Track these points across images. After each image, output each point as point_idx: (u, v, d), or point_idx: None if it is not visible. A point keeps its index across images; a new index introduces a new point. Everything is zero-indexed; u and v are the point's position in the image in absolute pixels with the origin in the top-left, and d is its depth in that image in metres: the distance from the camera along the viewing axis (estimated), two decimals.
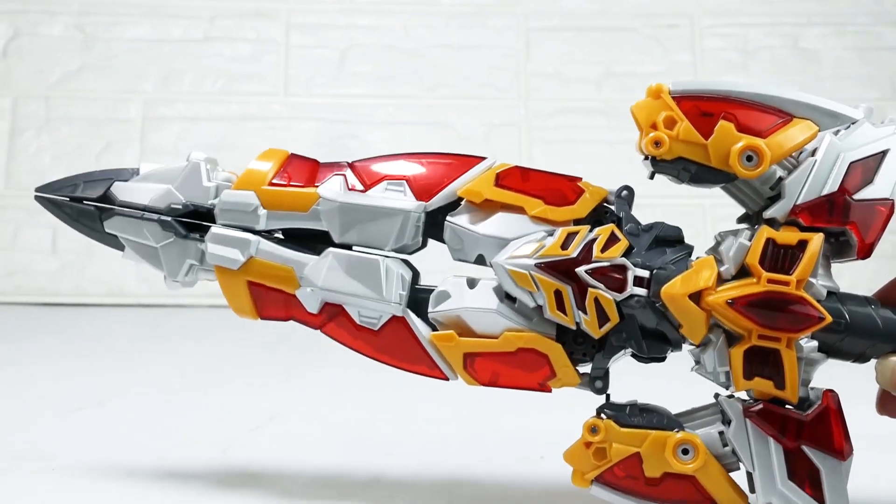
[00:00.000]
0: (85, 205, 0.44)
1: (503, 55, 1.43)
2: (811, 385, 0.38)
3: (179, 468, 0.50)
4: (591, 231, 0.39)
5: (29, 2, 1.42)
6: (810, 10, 1.44)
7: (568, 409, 0.45)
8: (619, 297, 0.38)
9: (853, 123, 0.38)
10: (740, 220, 0.42)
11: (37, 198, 0.46)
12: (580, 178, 0.41)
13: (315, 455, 0.54)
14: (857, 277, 0.40)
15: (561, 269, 0.39)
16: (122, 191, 0.44)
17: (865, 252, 0.37)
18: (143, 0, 1.42)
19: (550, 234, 0.40)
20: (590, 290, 0.38)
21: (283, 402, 0.69)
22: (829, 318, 0.36)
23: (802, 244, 0.36)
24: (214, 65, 1.41)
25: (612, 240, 0.39)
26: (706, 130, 0.38)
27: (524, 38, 1.44)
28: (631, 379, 0.44)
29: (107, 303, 1.31)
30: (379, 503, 0.46)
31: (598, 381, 0.40)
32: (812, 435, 0.37)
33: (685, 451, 0.38)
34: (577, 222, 0.40)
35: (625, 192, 0.41)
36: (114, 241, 0.45)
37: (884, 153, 0.37)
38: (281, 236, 0.44)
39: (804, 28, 1.44)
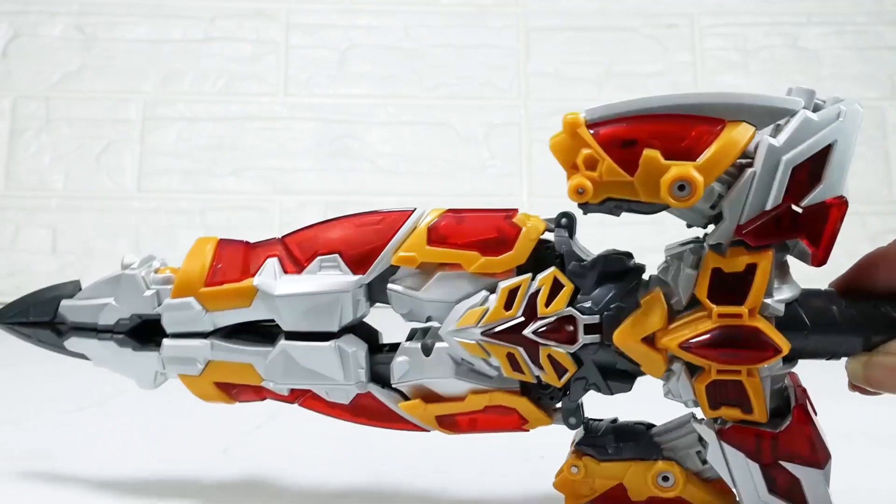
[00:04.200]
0: (42, 329, 0.45)
1: (503, 55, 1.43)
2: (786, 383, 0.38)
3: (180, 468, 0.50)
4: (533, 280, 0.38)
5: (29, 2, 1.42)
6: (810, 9, 1.44)
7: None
8: (573, 349, 0.38)
9: (792, 116, 0.34)
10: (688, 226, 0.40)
11: None
12: (516, 211, 0.39)
13: (315, 455, 0.54)
14: None
15: (508, 333, 0.38)
16: (70, 311, 0.45)
17: (820, 261, 0.35)
18: (143, 0, 1.42)
19: (492, 290, 0.39)
20: (541, 348, 0.38)
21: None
22: (786, 349, 0.35)
23: (752, 268, 0.34)
24: (214, 65, 1.41)
25: (556, 288, 0.38)
26: (631, 164, 0.34)
27: (524, 38, 1.44)
28: None
29: None
30: (379, 503, 0.46)
31: (571, 418, 0.40)
32: (787, 448, 0.36)
33: (665, 479, 0.39)
34: (520, 268, 0.39)
35: (564, 220, 0.39)
36: (80, 355, 0.46)
37: (829, 147, 0.34)
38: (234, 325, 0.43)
39: (804, 28, 1.44)
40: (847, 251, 0.40)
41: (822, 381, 0.41)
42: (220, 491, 0.46)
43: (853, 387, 0.39)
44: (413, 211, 0.40)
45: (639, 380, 0.40)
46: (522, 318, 0.38)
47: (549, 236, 0.39)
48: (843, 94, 0.36)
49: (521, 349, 0.38)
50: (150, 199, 1.37)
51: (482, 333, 0.38)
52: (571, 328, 0.38)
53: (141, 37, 1.42)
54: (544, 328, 0.38)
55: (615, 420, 0.41)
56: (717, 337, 0.35)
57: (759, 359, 0.35)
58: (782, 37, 1.43)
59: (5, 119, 1.38)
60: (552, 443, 0.43)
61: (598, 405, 0.43)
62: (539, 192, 1.37)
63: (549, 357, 0.38)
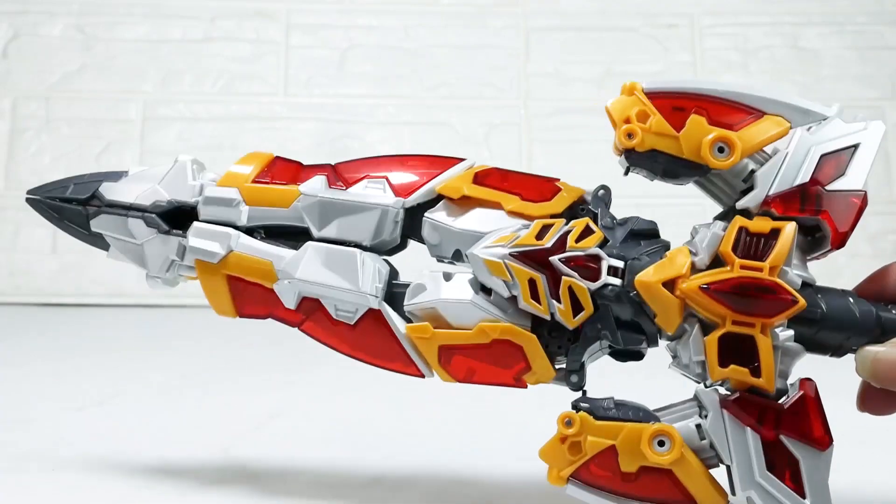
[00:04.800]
0: (72, 206, 0.46)
1: (503, 55, 1.43)
2: (790, 382, 0.38)
3: (180, 468, 0.50)
4: (566, 224, 0.40)
5: (29, 2, 1.42)
6: (810, 9, 1.44)
7: (567, 408, 0.45)
8: (594, 286, 0.38)
9: (824, 119, 0.38)
10: (717, 218, 0.41)
11: (28, 200, 0.48)
12: (558, 179, 0.42)
13: (316, 454, 0.54)
14: (858, 277, 0.40)
15: (535, 258, 0.39)
16: (109, 191, 0.45)
17: (839, 242, 0.37)
18: (143, 0, 1.42)
19: (526, 227, 0.40)
20: (563, 278, 0.39)
21: (283, 401, 0.69)
22: (802, 302, 0.36)
23: (775, 232, 0.37)
24: (214, 65, 1.41)
25: (587, 232, 0.39)
26: (678, 123, 0.38)
27: (524, 38, 1.44)
28: (615, 377, 0.44)
29: (107, 303, 1.31)
30: (379, 503, 0.46)
31: (573, 375, 0.40)
32: (790, 424, 0.36)
33: (661, 443, 0.37)
34: (554, 218, 0.41)
35: (601, 192, 0.41)
36: (100, 242, 0.46)
37: (855, 146, 0.38)
38: (263, 235, 0.44)
39: (804, 27, 1.44)
40: (847, 251, 0.41)
41: (824, 381, 0.41)
42: (221, 491, 0.46)
43: (863, 405, 0.39)
44: (464, 160, 0.43)
45: (638, 377, 0.40)
46: (551, 248, 0.39)
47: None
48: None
49: (543, 277, 0.39)
50: None
51: (510, 254, 0.39)
52: (596, 266, 0.39)
53: (141, 37, 1.42)
54: (570, 258, 0.39)
55: (612, 397, 0.41)
56: (736, 283, 0.36)
57: (776, 311, 0.36)
58: (782, 37, 1.43)
59: (5, 119, 1.38)
60: None
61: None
62: None
63: (570, 289, 0.38)
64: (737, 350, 0.36)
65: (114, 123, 1.39)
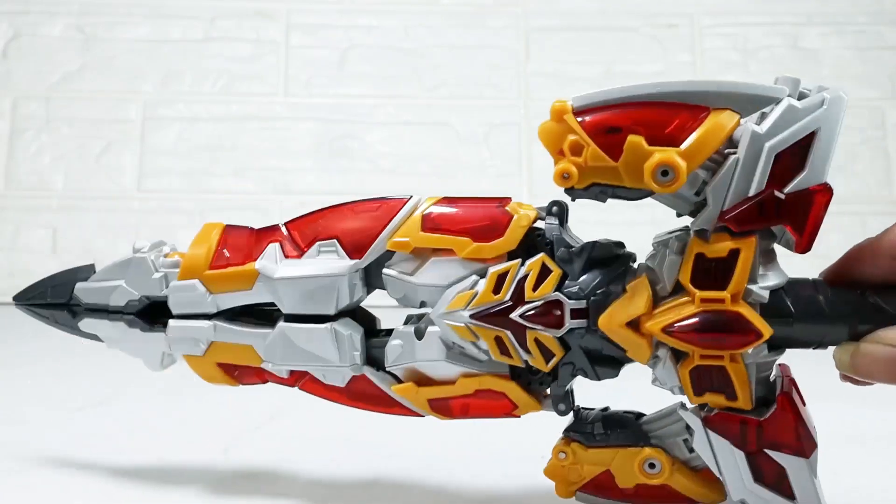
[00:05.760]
0: (58, 310, 0.47)
1: (503, 55, 1.43)
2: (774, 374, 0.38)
3: (180, 468, 0.50)
4: (522, 265, 0.39)
5: (29, 2, 1.42)
6: (810, 9, 1.44)
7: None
8: (559, 333, 0.38)
9: (777, 104, 0.34)
10: (678, 231, 0.39)
11: (17, 306, 0.49)
12: (509, 200, 0.40)
13: (316, 455, 0.54)
14: None
15: (496, 317, 0.39)
16: (84, 293, 0.47)
17: (804, 248, 0.35)
18: (143, 0, 1.42)
19: (483, 274, 0.39)
20: (528, 331, 0.38)
21: (283, 401, 0.69)
22: (767, 334, 0.35)
23: (735, 253, 0.35)
24: (214, 65, 1.41)
25: (544, 273, 0.38)
26: (615, 150, 0.35)
27: (524, 38, 1.44)
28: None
29: None
30: (378, 503, 0.46)
31: (560, 405, 0.40)
32: (771, 436, 0.36)
33: (651, 466, 0.39)
34: (511, 254, 0.39)
35: (555, 209, 0.39)
36: (93, 336, 0.48)
37: (813, 134, 0.34)
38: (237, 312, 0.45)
39: (804, 27, 1.44)
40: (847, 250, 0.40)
41: (812, 380, 0.41)
42: (220, 491, 0.46)
43: (844, 377, 0.38)
44: (409, 199, 0.41)
45: (633, 371, 0.40)
46: (510, 302, 0.38)
47: (542, 224, 0.40)
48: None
49: (508, 333, 0.39)
50: (150, 199, 1.37)
51: (471, 316, 0.39)
52: (559, 312, 0.38)
53: (141, 37, 1.42)
54: (531, 312, 0.38)
55: (606, 409, 0.41)
56: (699, 321, 0.35)
57: (740, 344, 0.35)
58: (782, 37, 1.43)
59: (5, 119, 1.38)
60: (553, 442, 0.43)
61: (592, 397, 0.43)
62: (539, 193, 1.37)
63: (536, 341, 0.38)
64: (710, 378, 0.36)
65: (114, 123, 1.39)
